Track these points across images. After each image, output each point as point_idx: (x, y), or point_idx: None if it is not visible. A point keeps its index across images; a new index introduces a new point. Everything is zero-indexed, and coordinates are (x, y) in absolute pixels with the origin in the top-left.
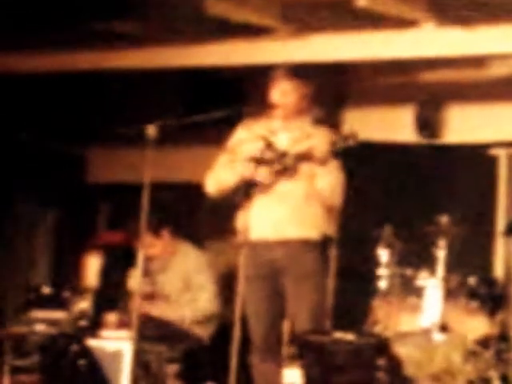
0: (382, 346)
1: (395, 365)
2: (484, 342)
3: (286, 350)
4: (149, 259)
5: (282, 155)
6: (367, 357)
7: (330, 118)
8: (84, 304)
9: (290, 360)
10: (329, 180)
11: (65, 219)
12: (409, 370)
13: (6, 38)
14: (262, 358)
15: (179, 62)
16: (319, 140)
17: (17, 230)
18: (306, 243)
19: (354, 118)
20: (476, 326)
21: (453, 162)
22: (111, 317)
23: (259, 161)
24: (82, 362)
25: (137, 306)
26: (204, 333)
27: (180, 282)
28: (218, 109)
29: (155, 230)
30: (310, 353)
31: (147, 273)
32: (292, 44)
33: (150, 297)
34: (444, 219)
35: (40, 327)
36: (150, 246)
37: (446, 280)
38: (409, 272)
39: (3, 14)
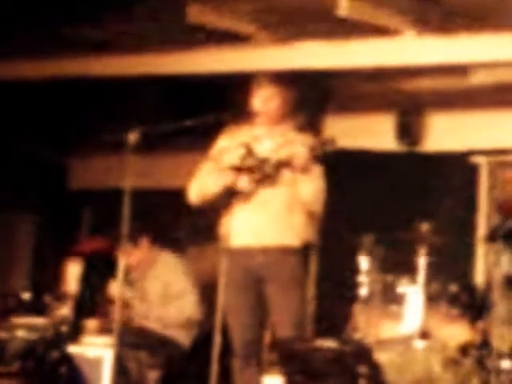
0: (363, 353)
1: (376, 372)
2: (464, 350)
3: (267, 356)
4: (128, 267)
5: (263, 162)
6: (348, 364)
7: (311, 125)
8: (64, 310)
9: (270, 367)
10: (311, 187)
11: (46, 225)
12: (389, 376)
13: None
14: (243, 365)
15: (161, 69)
16: (301, 147)
17: None
18: (286, 250)
19: (336, 125)
20: (457, 333)
21: (433, 169)
22: (91, 323)
23: (240, 168)
24: (62, 368)
25: (117, 312)
26: (185, 339)
27: (160, 290)
28: (200, 116)
29: (133, 239)
30: (291, 360)
31: (127, 280)
32: (274, 52)
33: (131, 305)
34: (425, 226)
35: (20, 333)
36: (128, 254)
37: (427, 287)
38: (389, 279)
39: None
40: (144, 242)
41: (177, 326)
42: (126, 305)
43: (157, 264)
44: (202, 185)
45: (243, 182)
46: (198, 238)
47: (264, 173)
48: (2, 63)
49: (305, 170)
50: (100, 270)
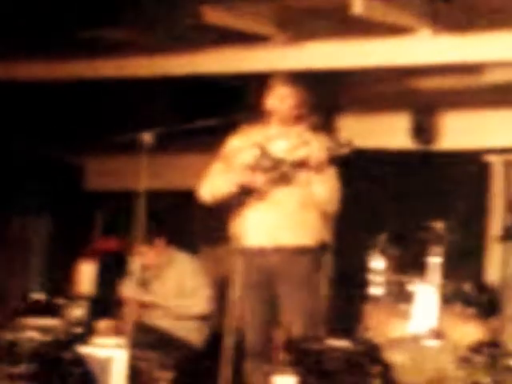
0: (376, 353)
1: (388, 371)
2: (477, 348)
3: (280, 356)
4: (143, 268)
5: (278, 163)
6: (361, 363)
7: (326, 125)
8: (78, 311)
9: (283, 366)
10: (325, 187)
11: (60, 226)
12: (401, 376)
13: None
14: (256, 365)
15: (175, 69)
16: (316, 147)
17: (12, 237)
18: (301, 250)
19: (350, 125)
20: (469, 332)
21: (448, 168)
22: (103, 324)
23: (255, 168)
24: (74, 369)
25: (131, 313)
26: (198, 340)
27: (175, 290)
28: (213, 116)
29: (149, 239)
30: (304, 359)
31: (142, 281)
32: (288, 52)
33: (144, 305)
34: (438, 225)
35: (33, 334)
36: (144, 254)
37: (441, 286)
38: (403, 278)
39: None
40: (160, 243)
41: (189, 320)
42: (141, 305)
43: (172, 264)
44: (214, 184)
45: (258, 181)
46: (212, 238)
47: (279, 173)
48: (16, 64)
49: (320, 170)
50: (114, 270)
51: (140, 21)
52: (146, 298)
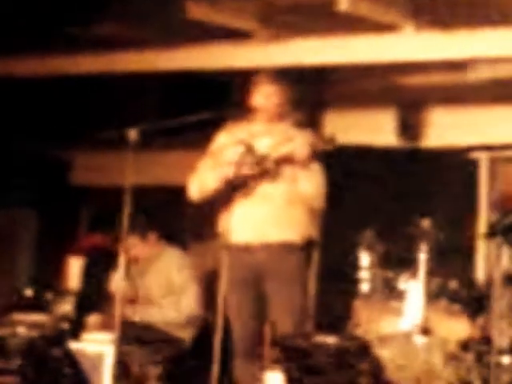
0: (364, 349)
1: (377, 368)
2: (465, 345)
3: (268, 352)
4: (130, 262)
5: (263, 159)
6: (349, 360)
7: (310, 121)
8: (66, 307)
9: (271, 363)
10: (311, 183)
11: (47, 221)
12: (390, 373)
13: None
14: (243, 361)
15: (161, 65)
16: (300, 143)
17: None
18: (288, 246)
19: (335, 121)
20: (457, 328)
21: (434, 165)
22: (93, 319)
23: (240, 165)
24: (63, 364)
25: (118, 308)
26: (186, 336)
27: (162, 285)
28: (199, 112)
29: (142, 233)
30: (292, 356)
31: (129, 276)
32: (272, 48)
33: (132, 300)
34: (425, 222)
35: (21, 330)
36: (136, 247)
37: (428, 283)
38: (390, 275)
39: None
40: (152, 237)
41: (177, 321)
42: (129, 300)
43: (160, 258)
44: (202, 181)
45: (247, 168)
46: (200, 234)
47: (264, 168)
48: (4, 60)
49: (304, 166)
50: (101, 265)
51: (126, 17)
52: (134, 293)
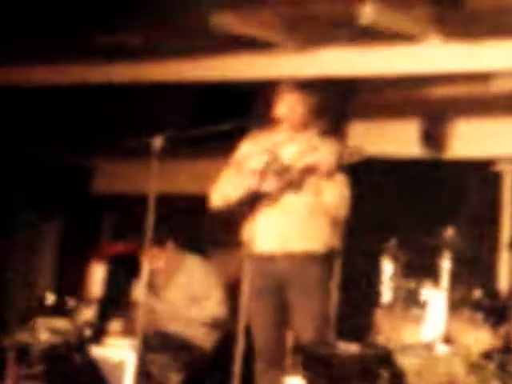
0: (386, 358)
1: (398, 376)
2: (488, 355)
3: (289, 359)
4: (154, 273)
5: (288, 169)
6: (371, 368)
7: (334, 132)
8: (88, 313)
9: (293, 369)
10: (335, 193)
11: (70, 229)
12: (412, 381)
13: (12, 50)
14: (265, 368)
15: (185, 75)
16: (325, 153)
17: (22, 240)
18: (310, 256)
19: (359, 132)
20: (480, 338)
21: (458, 176)
22: (115, 325)
23: (264, 174)
24: (85, 370)
25: (141, 316)
26: (208, 342)
27: (186, 296)
28: (223, 122)
29: (160, 242)
30: (314, 364)
31: (152, 286)
32: (297, 59)
33: (154, 311)
34: (449, 232)
35: (44, 336)
36: (155, 258)
37: (451, 292)
38: (413, 284)
39: (6, 26)
40: (171, 246)
41: (201, 326)
42: (151, 311)
43: (182, 268)
44: (225, 190)
45: (269, 185)
46: (222, 243)
47: (288, 178)
48: (29, 69)
49: (329, 176)
50: (123, 273)
51: (152, 27)
52: (158, 305)
